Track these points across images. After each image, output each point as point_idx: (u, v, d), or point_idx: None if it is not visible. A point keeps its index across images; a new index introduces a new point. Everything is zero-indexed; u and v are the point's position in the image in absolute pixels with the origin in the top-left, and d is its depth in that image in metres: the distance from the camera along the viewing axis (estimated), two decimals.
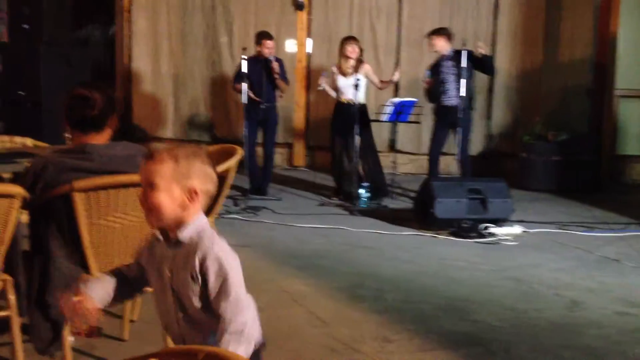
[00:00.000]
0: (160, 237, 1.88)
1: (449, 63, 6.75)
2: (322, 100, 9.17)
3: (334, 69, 6.92)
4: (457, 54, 6.68)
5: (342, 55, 6.87)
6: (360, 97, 6.71)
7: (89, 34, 10.69)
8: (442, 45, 6.79)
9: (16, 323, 2.64)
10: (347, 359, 3.22)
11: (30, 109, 7.23)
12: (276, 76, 6.88)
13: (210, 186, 1.86)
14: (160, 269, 1.89)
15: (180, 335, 1.90)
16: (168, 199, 1.79)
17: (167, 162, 1.79)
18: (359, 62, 6.84)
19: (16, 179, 3.07)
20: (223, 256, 1.83)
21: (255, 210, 6.36)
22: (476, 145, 8.78)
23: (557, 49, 8.69)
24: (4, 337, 2.90)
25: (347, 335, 3.47)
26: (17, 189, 2.54)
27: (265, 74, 6.84)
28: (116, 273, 2.01)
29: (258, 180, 7.08)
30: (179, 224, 1.83)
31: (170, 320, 1.92)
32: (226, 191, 3.85)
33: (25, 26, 7.26)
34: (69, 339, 2.76)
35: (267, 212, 6.37)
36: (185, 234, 1.83)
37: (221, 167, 3.75)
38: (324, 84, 6.90)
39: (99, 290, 1.93)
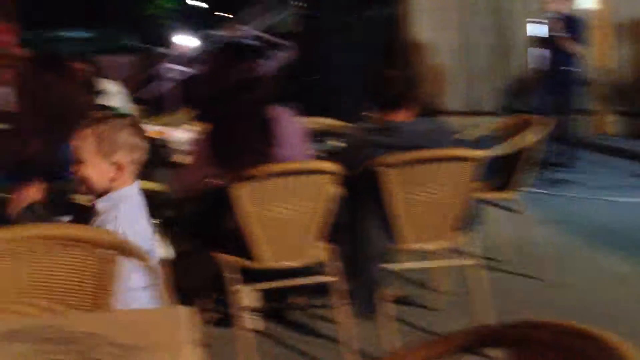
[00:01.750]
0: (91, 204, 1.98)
1: None
2: (631, 59, 8.26)
3: None
4: None
5: None
6: None
7: (377, 13, 11.07)
8: None
9: (340, 288, 2.79)
10: None
11: (327, 91, 7.64)
12: (557, 35, 6.32)
13: (138, 155, 1.93)
14: None
15: None
16: (96, 173, 1.91)
17: (90, 139, 1.90)
18: None
19: (332, 157, 3.25)
20: (122, 229, 1.79)
21: (563, 183, 5.98)
22: None
23: None
24: (328, 300, 3.04)
25: None
26: (332, 166, 2.72)
27: (552, 38, 6.32)
28: None
29: (559, 152, 6.64)
30: (107, 193, 1.90)
31: None
32: (527, 165, 3.67)
33: (317, 14, 7.70)
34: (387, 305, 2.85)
35: (576, 185, 5.93)
36: (101, 203, 1.88)
37: (524, 139, 3.59)
38: None
39: None
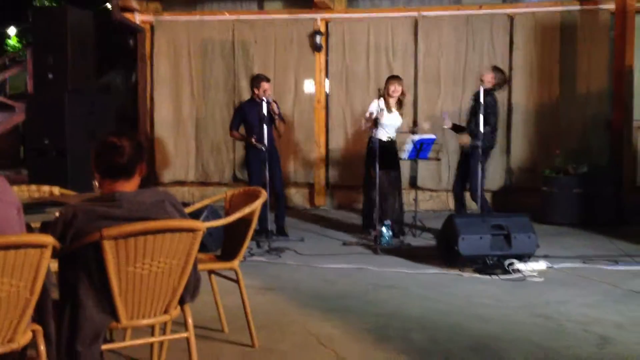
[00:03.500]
0: None
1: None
2: (341, 139, 9.27)
3: (381, 105, 6.84)
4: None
5: (386, 94, 6.97)
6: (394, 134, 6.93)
7: (112, 81, 10.91)
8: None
9: None
10: None
11: (55, 157, 7.29)
12: (276, 117, 6.93)
13: None
14: None
15: None
16: None
17: None
18: (400, 101, 7.04)
19: (45, 228, 3.09)
20: None
21: (279, 251, 6.39)
22: (496, 180, 8.79)
23: (574, 83, 8.73)
24: None
25: None
26: (48, 239, 2.55)
27: (264, 116, 6.70)
28: None
29: (276, 222, 7.15)
30: None
31: None
32: (250, 234, 3.88)
33: (50, 75, 7.37)
34: None
35: (291, 253, 6.39)
36: None
37: (246, 210, 3.79)
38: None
39: None
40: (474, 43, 8.92)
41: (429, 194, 8.98)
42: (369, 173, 6.99)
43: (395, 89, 6.98)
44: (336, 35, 9.28)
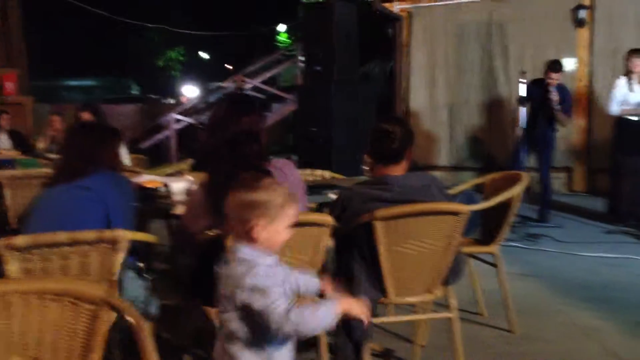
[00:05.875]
0: None
1: None
2: (603, 120, 8.63)
3: (622, 83, 6.51)
4: None
5: (629, 68, 6.49)
6: None
7: (371, 70, 11.40)
8: None
9: (323, 343, 2.88)
10: None
11: (321, 144, 7.75)
12: (555, 107, 6.67)
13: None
14: None
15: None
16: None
17: None
18: None
19: (323, 208, 3.31)
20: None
21: (536, 237, 6.21)
22: None
23: None
24: (311, 353, 3.15)
25: None
26: (327, 218, 2.75)
27: (544, 100, 6.66)
28: None
29: (534, 207, 6.93)
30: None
31: None
32: (510, 219, 3.82)
33: (318, 68, 7.86)
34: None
35: (548, 240, 6.16)
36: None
37: (507, 194, 3.71)
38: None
39: None
40: None
41: None
42: (617, 157, 6.61)
43: (635, 64, 6.39)
44: (602, 8, 8.63)
